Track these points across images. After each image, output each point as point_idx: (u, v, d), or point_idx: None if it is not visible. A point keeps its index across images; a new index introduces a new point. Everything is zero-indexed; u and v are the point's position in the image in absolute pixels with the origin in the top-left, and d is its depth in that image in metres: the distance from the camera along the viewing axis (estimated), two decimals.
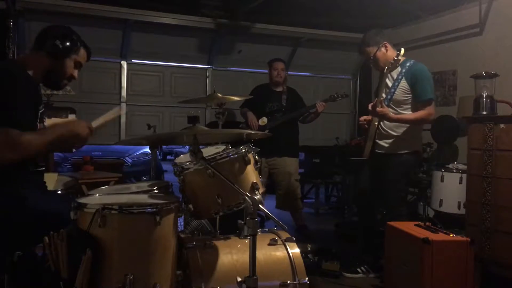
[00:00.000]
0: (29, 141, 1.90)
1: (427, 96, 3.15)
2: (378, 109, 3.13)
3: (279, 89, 4.60)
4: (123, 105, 5.30)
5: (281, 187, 4.53)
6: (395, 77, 3.24)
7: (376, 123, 3.30)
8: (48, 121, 2.27)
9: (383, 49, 3.28)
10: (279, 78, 4.54)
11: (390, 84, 3.26)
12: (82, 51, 2.24)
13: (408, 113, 3.22)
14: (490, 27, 4.36)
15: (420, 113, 3.16)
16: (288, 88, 4.66)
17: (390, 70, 3.23)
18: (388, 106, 3.21)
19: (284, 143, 4.43)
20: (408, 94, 3.20)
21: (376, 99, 3.22)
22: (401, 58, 3.19)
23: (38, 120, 2.13)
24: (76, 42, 2.19)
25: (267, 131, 4.20)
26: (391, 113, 3.17)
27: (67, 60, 2.17)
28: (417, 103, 3.18)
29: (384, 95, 3.26)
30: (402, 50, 3.20)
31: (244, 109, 4.58)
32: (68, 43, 2.15)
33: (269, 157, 4.46)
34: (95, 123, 2.23)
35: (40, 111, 2.16)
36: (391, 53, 3.27)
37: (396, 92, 3.22)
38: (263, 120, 4.46)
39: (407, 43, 5.14)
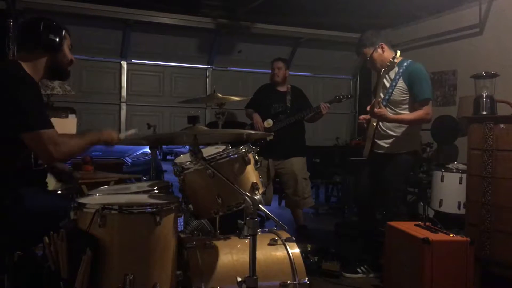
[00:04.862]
0: (69, 143, 2.02)
1: (425, 95, 3.16)
2: (376, 110, 3.14)
3: (283, 89, 4.58)
4: (123, 105, 5.31)
5: (289, 186, 4.52)
6: (392, 77, 3.25)
7: (375, 124, 3.31)
8: None
9: (379, 50, 3.28)
10: (276, 77, 4.54)
11: (387, 85, 3.26)
12: (67, 34, 2.24)
13: (406, 113, 3.22)
14: (490, 27, 4.35)
15: (418, 113, 3.17)
16: (293, 88, 4.64)
17: (387, 71, 3.24)
18: (386, 106, 3.22)
19: (290, 144, 4.42)
20: (405, 94, 3.20)
21: (374, 100, 3.23)
22: (397, 60, 3.21)
23: None
24: (62, 28, 2.20)
25: (272, 133, 4.21)
26: (389, 114, 3.18)
27: (64, 47, 2.20)
28: (415, 103, 3.19)
29: (382, 96, 3.26)
30: (398, 52, 3.22)
31: (250, 110, 4.57)
32: (59, 33, 2.16)
33: (276, 159, 4.46)
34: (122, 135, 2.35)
35: None
36: (387, 54, 3.27)
37: (393, 93, 3.22)
38: (269, 122, 4.45)
39: (407, 43, 5.15)
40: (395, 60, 3.18)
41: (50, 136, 1.95)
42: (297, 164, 4.51)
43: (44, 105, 2.12)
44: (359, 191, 3.59)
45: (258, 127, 4.39)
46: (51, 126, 1.99)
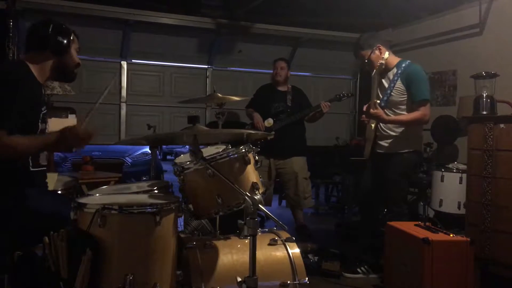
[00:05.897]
0: (16, 144, 1.91)
1: (422, 96, 3.16)
2: (372, 111, 3.14)
3: (284, 88, 4.59)
4: (123, 105, 5.30)
5: (290, 186, 4.52)
6: (391, 78, 3.25)
7: (373, 124, 3.31)
8: (49, 122, 2.27)
9: (377, 52, 3.29)
10: (278, 77, 4.55)
11: (386, 85, 3.27)
12: (75, 37, 2.27)
13: (403, 114, 3.22)
14: (490, 27, 4.35)
15: (414, 114, 3.17)
16: (293, 88, 4.66)
17: (380, 72, 3.25)
18: (386, 107, 3.23)
19: (290, 143, 4.43)
20: (404, 95, 3.21)
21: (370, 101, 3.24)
22: (385, 62, 3.22)
23: (40, 121, 2.13)
24: (70, 31, 2.22)
25: (273, 132, 4.21)
26: (385, 115, 3.18)
27: (71, 50, 2.23)
28: (412, 103, 3.19)
29: (380, 96, 3.27)
30: (386, 53, 3.23)
31: (250, 109, 4.58)
32: (68, 36, 2.19)
33: (277, 158, 4.46)
34: (89, 118, 2.24)
35: (43, 112, 2.16)
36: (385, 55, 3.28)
37: (392, 93, 3.23)
38: (269, 122, 4.46)
39: (407, 43, 5.15)
40: (383, 62, 3.19)
41: None
42: (298, 164, 4.51)
43: (12, 103, 1.97)
44: (360, 191, 3.59)
45: (258, 127, 4.40)
46: (3, 126, 1.90)
